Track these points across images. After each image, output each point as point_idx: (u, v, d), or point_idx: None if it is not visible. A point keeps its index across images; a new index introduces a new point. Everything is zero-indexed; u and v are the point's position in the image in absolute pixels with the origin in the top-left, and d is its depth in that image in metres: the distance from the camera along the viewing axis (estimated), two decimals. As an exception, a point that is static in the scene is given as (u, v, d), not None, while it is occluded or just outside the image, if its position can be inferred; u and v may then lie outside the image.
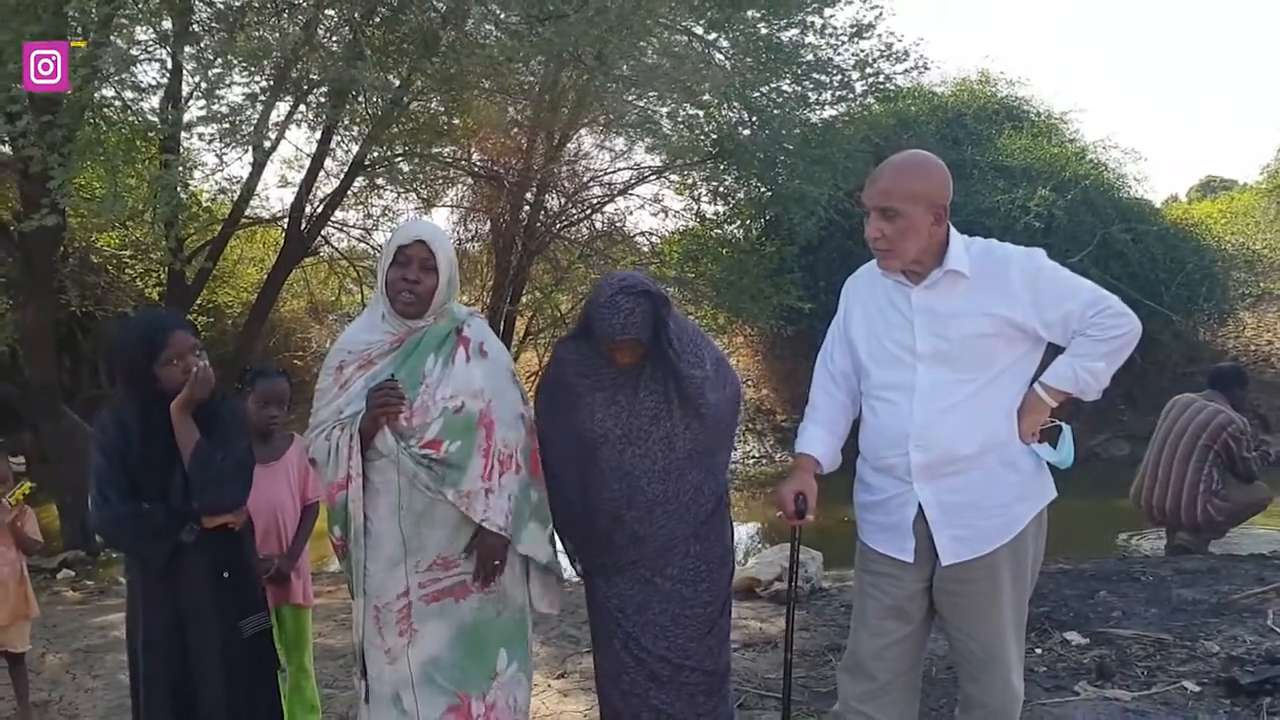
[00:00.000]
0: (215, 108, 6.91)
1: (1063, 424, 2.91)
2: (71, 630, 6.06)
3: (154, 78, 7.94)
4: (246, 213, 10.72)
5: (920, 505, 2.87)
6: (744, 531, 10.29)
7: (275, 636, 4.20)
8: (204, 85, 6.68)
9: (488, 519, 2.99)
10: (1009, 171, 13.64)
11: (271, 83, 7.72)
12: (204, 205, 10.94)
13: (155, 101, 8.02)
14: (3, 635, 4.47)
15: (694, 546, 3.22)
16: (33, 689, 4.78)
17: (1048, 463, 2.91)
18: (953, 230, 2.88)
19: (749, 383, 16.25)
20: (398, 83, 8.65)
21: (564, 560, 3.37)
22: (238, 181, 9.40)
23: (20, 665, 4.60)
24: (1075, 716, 4.05)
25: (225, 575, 3.02)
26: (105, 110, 6.86)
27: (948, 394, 2.83)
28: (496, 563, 3.05)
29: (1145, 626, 5.11)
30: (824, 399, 3.14)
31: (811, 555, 6.25)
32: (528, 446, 3.17)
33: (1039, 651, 4.79)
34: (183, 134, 7.94)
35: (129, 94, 7.86)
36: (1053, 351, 2.90)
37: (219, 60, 6.78)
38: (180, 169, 8.01)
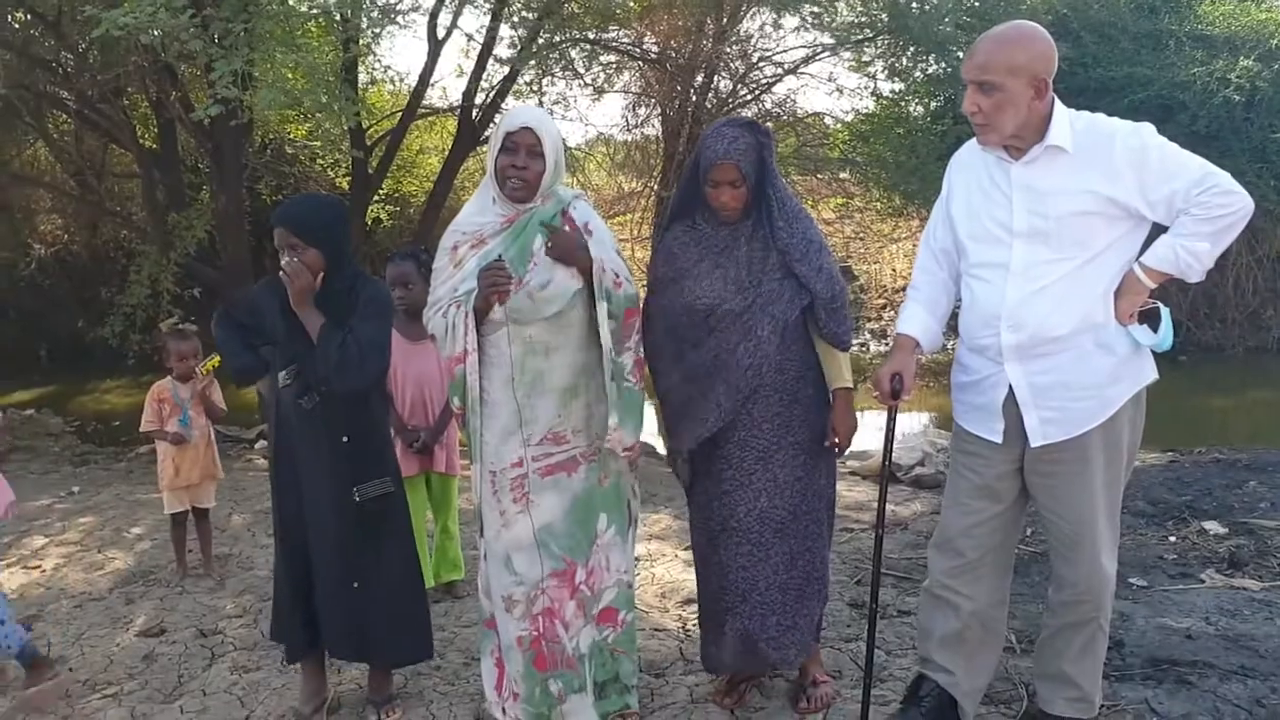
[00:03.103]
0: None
1: (1161, 305, 2.83)
2: (257, 494, 6.61)
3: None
4: (424, 103, 11.00)
5: (1011, 386, 2.87)
6: (909, 421, 10.26)
7: (426, 500, 4.57)
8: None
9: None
10: (1209, 41, 12.71)
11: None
12: (382, 95, 11.22)
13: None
14: (193, 492, 5.01)
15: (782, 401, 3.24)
16: (216, 544, 5.30)
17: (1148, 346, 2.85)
18: (1058, 104, 2.81)
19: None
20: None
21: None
22: (400, 74, 9.56)
23: (206, 520, 5.13)
24: (1197, 604, 3.96)
25: (345, 440, 3.23)
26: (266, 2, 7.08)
27: (1042, 274, 2.79)
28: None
29: (1293, 519, 4.92)
30: (925, 278, 3.14)
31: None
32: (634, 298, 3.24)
33: (1172, 540, 4.69)
34: (361, 19, 8.11)
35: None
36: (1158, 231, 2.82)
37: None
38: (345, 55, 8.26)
